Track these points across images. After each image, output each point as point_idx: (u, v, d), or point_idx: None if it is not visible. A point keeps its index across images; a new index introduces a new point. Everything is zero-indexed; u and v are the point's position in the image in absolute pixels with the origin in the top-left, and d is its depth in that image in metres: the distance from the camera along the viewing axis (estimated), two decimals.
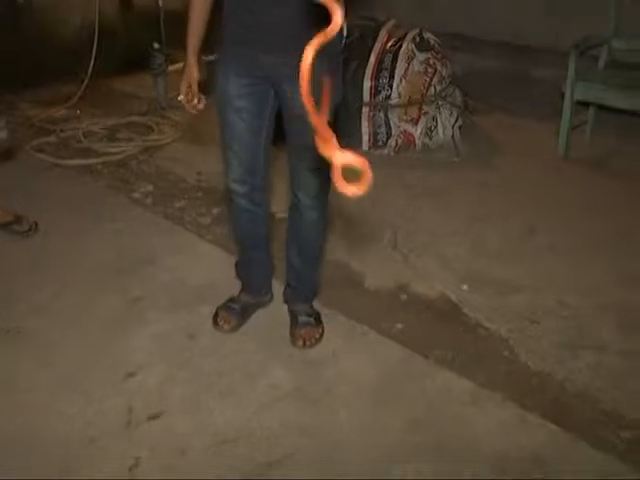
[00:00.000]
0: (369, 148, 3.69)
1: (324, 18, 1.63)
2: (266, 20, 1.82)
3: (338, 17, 1.11)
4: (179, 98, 2.11)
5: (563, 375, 2.13)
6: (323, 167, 2.03)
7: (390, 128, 3.65)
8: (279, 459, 1.83)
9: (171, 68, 4.47)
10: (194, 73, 2.07)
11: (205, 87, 2.10)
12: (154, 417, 1.96)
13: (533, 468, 1.82)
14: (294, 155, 2.05)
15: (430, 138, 3.73)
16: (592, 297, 2.52)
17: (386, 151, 3.69)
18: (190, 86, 2.08)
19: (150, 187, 3.36)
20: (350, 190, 1.05)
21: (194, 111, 2.12)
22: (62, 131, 3.98)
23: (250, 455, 1.85)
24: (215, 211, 3.11)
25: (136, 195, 3.29)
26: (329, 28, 1.15)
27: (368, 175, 1.07)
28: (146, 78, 4.61)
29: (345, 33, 1.98)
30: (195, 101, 2.09)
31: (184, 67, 2.09)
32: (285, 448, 1.86)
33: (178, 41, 4.65)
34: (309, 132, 1.81)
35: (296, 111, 1.84)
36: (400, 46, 3.65)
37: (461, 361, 2.20)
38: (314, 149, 1.94)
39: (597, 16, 3.84)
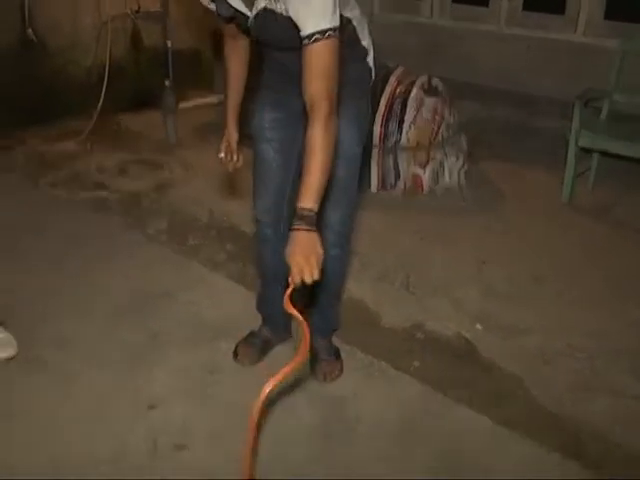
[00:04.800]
0: (378, 190, 3.77)
1: (353, 58, 1.78)
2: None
3: (307, 333, 1.48)
4: (219, 156, 2.21)
5: (580, 417, 2.16)
6: (346, 205, 2.10)
7: (399, 172, 3.74)
8: None
9: (181, 106, 4.57)
10: (233, 134, 2.18)
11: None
12: (180, 450, 1.98)
13: None
14: None
15: (437, 182, 3.82)
16: (602, 341, 2.56)
17: (395, 193, 3.77)
18: (229, 144, 2.19)
19: (164, 224, 3.40)
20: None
21: (231, 169, 2.23)
22: (74, 167, 4.04)
23: None
24: (230, 249, 3.16)
25: (150, 232, 3.33)
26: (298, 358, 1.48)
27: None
28: (155, 116, 4.70)
29: (374, 74, 2.07)
30: (234, 158, 2.20)
31: (223, 126, 2.19)
32: None
33: (187, 80, 4.83)
34: (334, 171, 1.87)
35: None
36: (409, 92, 3.75)
37: (478, 400, 2.23)
38: (338, 186, 2.02)
39: (598, 69, 3.99)
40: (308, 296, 2.20)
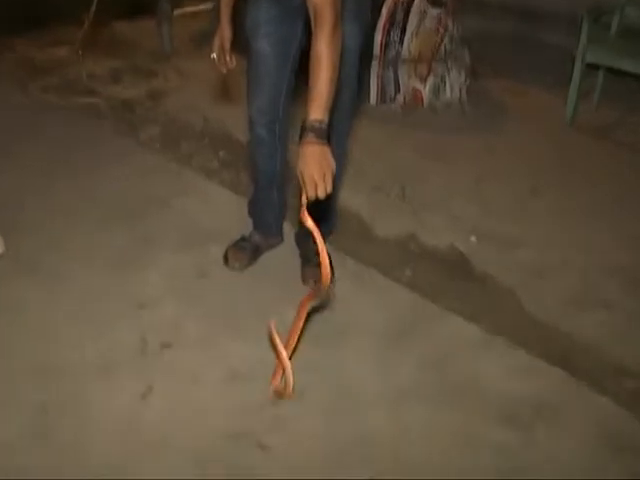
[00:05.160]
0: (377, 103, 3.68)
1: None
2: None
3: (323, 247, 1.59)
4: (212, 56, 2.16)
5: (569, 329, 2.16)
6: (345, 102, 2.04)
7: (399, 85, 3.64)
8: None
9: (176, 13, 4.42)
10: (227, 32, 2.13)
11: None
12: (167, 347, 1.99)
13: (538, 411, 1.86)
14: None
15: (437, 98, 3.73)
16: (596, 257, 2.55)
17: (394, 106, 3.68)
18: (223, 44, 2.14)
19: (156, 132, 3.32)
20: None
21: (225, 70, 2.18)
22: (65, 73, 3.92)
23: (262, 389, 1.87)
24: (223, 156, 3.10)
25: (143, 139, 3.25)
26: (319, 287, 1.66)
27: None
28: (149, 24, 4.54)
29: None
30: (228, 59, 2.15)
31: (218, 26, 2.13)
32: (296, 387, 1.87)
33: None
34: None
35: None
36: (412, 0, 3.61)
37: (469, 310, 2.22)
38: (341, 89, 1.91)
39: None
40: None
